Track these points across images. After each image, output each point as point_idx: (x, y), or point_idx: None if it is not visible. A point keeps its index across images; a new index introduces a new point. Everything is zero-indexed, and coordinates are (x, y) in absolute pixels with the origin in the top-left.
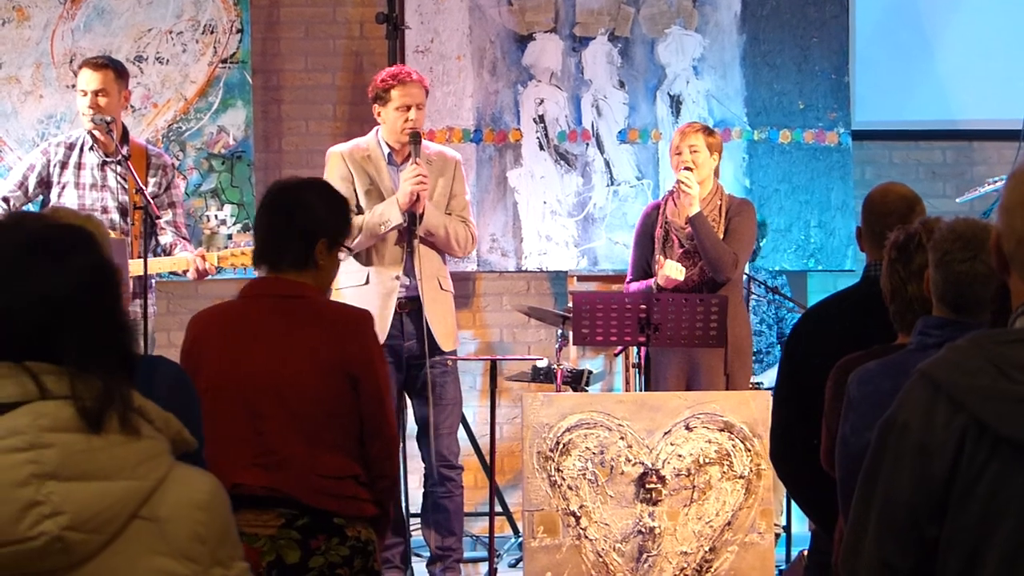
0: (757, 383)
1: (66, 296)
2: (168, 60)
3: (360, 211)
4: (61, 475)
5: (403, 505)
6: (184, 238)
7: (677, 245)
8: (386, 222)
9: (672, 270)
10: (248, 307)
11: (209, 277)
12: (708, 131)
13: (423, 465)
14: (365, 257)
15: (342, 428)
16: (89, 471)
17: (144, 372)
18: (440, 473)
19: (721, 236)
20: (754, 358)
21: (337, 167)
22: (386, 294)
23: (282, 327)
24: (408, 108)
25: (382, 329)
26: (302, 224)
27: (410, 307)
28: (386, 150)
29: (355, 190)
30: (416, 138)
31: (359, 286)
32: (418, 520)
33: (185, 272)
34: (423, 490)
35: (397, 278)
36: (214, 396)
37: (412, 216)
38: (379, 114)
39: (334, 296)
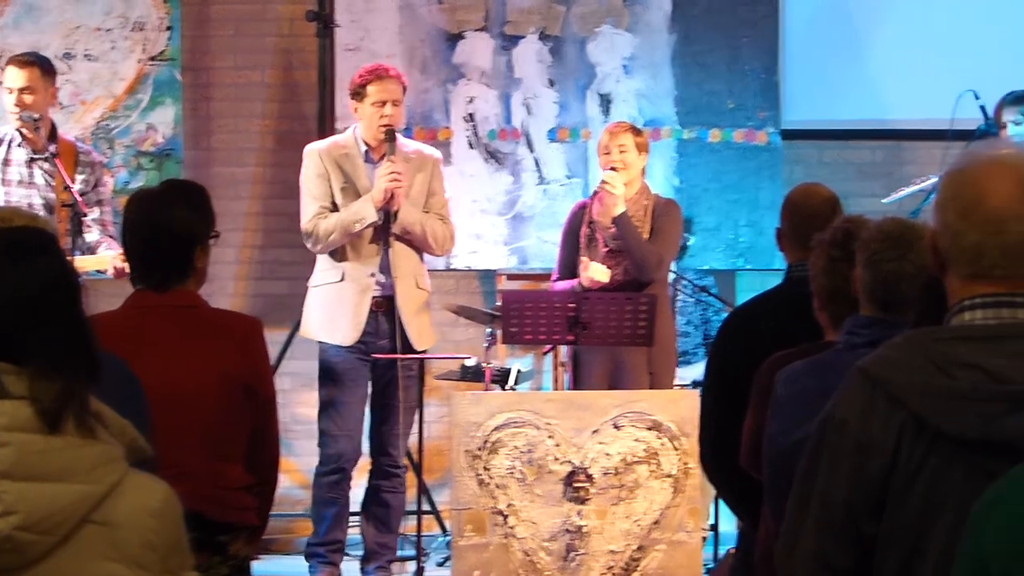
0: (682, 383)
1: (31, 298)
2: (97, 57)
3: (336, 208)
4: (15, 475)
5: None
6: (111, 236)
7: (602, 244)
8: (361, 219)
9: (596, 272)
10: (140, 319)
11: None
12: (636, 131)
13: (370, 461)
14: (340, 254)
15: (238, 438)
16: (44, 472)
17: None
18: (387, 470)
19: (647, 236)
20: (681, 359)
21: (314, 164)
22: (361, 291)
23: (177, 338)
24: (383, 104)
25: (356, 326)
26: (179, 236)
27: (385, 306)
28: (363, 147)
29: (331, 187)
30: (391, 136)
31: (334, 283)
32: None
33: (106, 271)
34: (368, 484)
35: (372, 275)
36: None
37: (387, 214)
38: (356, 111)
39: (310, 294)
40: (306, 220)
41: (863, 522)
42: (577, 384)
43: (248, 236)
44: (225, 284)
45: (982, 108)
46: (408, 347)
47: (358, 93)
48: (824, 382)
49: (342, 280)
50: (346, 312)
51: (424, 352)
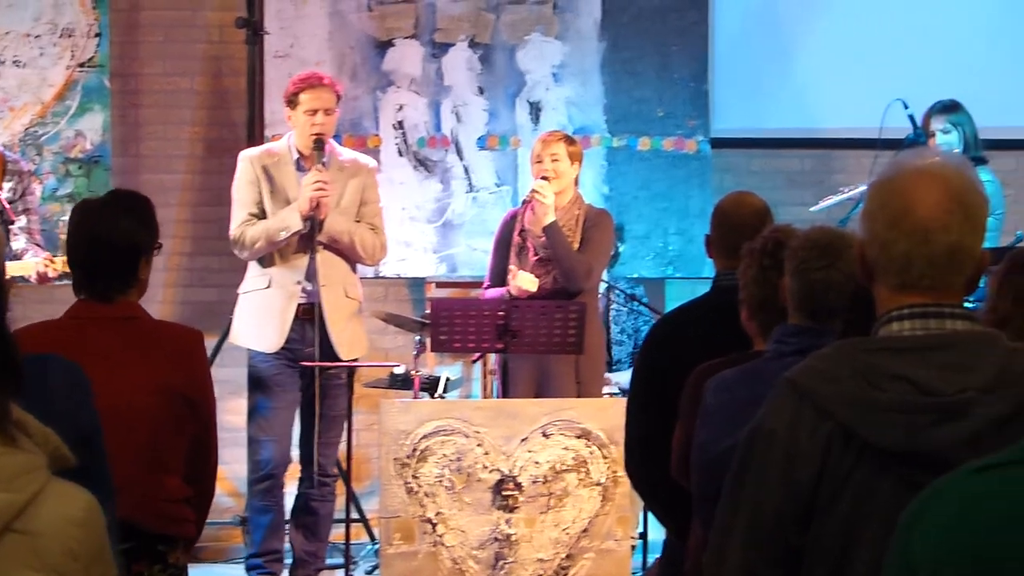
0: (614, 391)
1: None
2: (25, 64)
3: (264, 215)
4: None
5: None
6: (37, 244)
7: (532, 253)
8: (286, 228)
9: (524, 281)
10: (82, 329)
11: (58, 283)
12: (569, 140)
13: (300, 469)
14: (268, 261)
15: (178, 450)
16: None
17: (37, 372)
18: (317, 479)
19: (577, 246)
20: (613, 367)
21: (244, 171)
22: (287, 298)
23: (119, 350)
24: (315, 112)
25: (281, 333)
26: (123, 247)
27: (311, 313)
28: (295, 155)
29: (260, 194)
30: (319, 144)
31: (262, 290)
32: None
33: (29, 277)
34: (297, 492)
35: (299, 283)
36: None
37: (313, 222)
38: (290, 118)
39: (239, 300)
40: (233, 227)
41: (791, 533)
42: (508, 392)
43: (177, 243)
44: (154, 291)
45: (911, 117)
46: (334, 356)
47: (291, 101)
48: (753, 391)
49: (269, 287)
50: (272, 319)
51: (354, 360)
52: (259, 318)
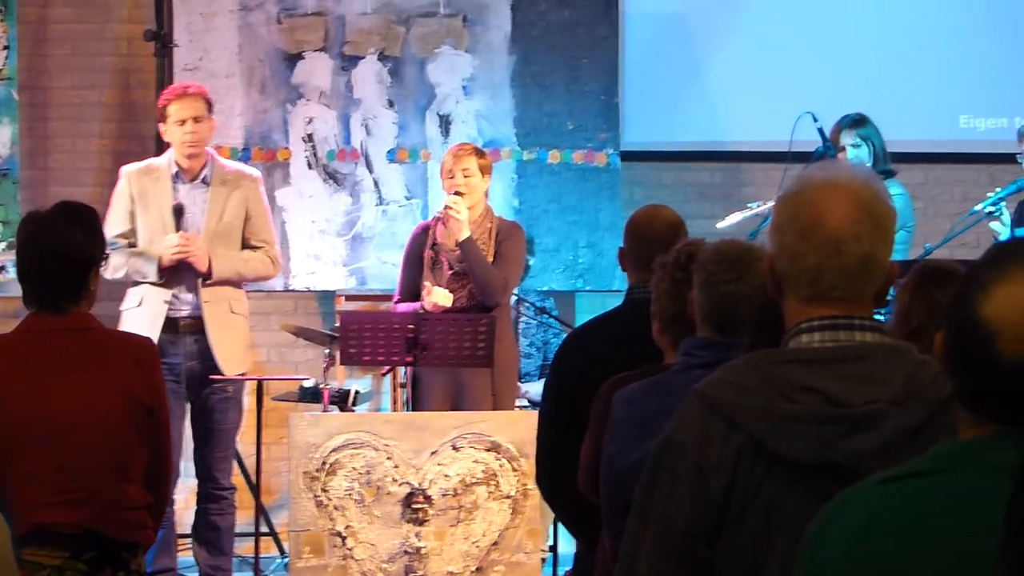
0: (524, 404)
1: None
2: None
3: (135, 231)
4: None
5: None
6: None
7: (447, 267)
8: (143, 275)
9: (439, 296)
10: (40, 342)
11: None
12: (479, 152)
13: (195, 483)
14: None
15: (138, 458)
16: None
17: None
18: (213, 492)
19: (491, 259)
20: (523, 380)
21: (120, 187)
22: (153, 318)
23: (79, 360)
24: (183, 122)
25: None
26: (76, 260)
27: (194, 328)
28: (175, 168)
29: (134, 210)
30: (179, 212)
31: (133, 308)
32: (188, 540)
33: None
34: (196, 508)
35: (166, 302)
36: (13, 434)
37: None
38: (165, 133)
39: (121, 318)
40: None
41: (701, 545)
42: (419, 406)
43: None
44: None
45: (820, 130)
46: (217, 371)
47: (162, 115)
48: (660, 404)
49: (140, 305)
50: None
51: (242, 375)
52: None
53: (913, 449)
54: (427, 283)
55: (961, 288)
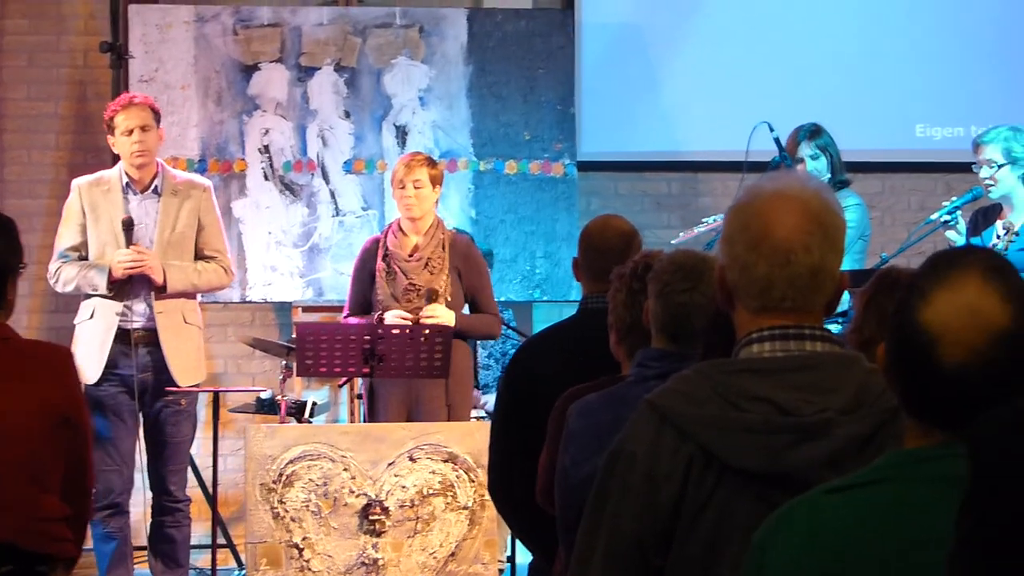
0: (481, 415)
1: None
2: None
3: (86, 243)
4: None
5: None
6: None
7: (402, 277)
8: (94, 287)
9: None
10: None
11: None
12: (431, 162)
13: (152, 497)
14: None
15: (56, 469)
16: None
17: None
18: (168, 505)
19: (445, 272)
20: (482, 391)
21: (71, 200)
22: (106, 329)
23: None
24: (131, 132)
25: (99, 364)
26: None
27: (147, 339)
28: (125, 179)
29: (85, 223)
30: (128, 226)
31: (86, 321)
32: (144, 552)
33: None
34: (151, 520)
35: (119, 313)
36: None
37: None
38: (113, 145)
39: (75, 331)
40: (53, 260)
41: (651, 555)
42: (375, 417)
43: (41, 269)
44: (19, 317)
45: (776, 140)
46: (171, 382)
47: (110, 127)
48: (616, 415)
49: (92, 317)
50: (92, 350)
51: (195, 386)
52: (82, 349)
53: (863, 458)
54: (432, 306)
55: (903, 296)
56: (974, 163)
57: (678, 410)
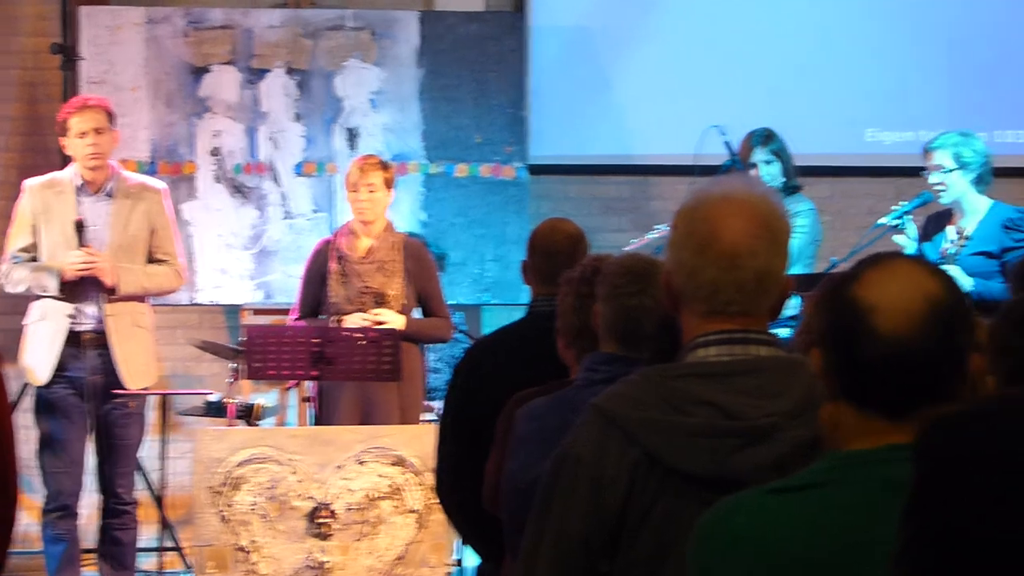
0: (430, 419)
1: None
2: None
3: (36, 245)
4: None
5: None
6: None
7: (356, 280)
8: (44, 289)
9: (391, 318)
10: None
11: None
12: (385, 166)
13: (100, 499)
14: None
15: None
16: None
17: None
18: (116, 507)
19: (398, 274)
20: (431, 395)
21: (23, 201)
22: (55, 332)
23: None
24: (85, 134)
25: (48, 367)
26: None
27: (97, 342)
28: (79, 181)
29: (36, 224)
30: (80, 226)
31: (36, 322)
32: (93, 555)
33: None
34: (99, 523)
35: (69, 316)
36: None
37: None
38: (67, 147)
39: (25, 332)
40: (4, 261)
41: (597, 559)
42: (328, 420)
43: None
44: None
45: (727, 144)
46: (120, 385)
47: (63, 130)
48: (563, 419)
49: (43, 319)
50: (42, 351)
51: (145, 389)
52: (32, 350)
53: (809, 462)
54: (378, 311)
55: (838, 283)
56: (924, 169)
57: (624, 414)
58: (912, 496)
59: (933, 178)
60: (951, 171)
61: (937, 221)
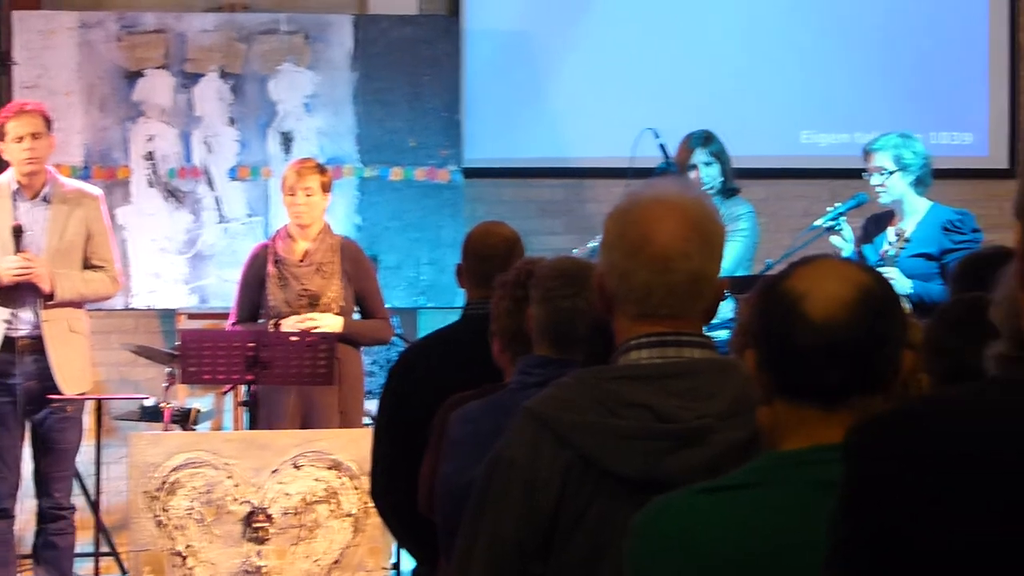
0: (367, 422)
1: None
2: None
3: None
4: None
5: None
6: None
7: (294, 283)
8: None
9: (329, 322)
10: None
11: None
12: (322, 170)
13: (36, 504)
14: None
15: None
16: None
17: None
18: (53, 512)
19: (336, 276)
20: (368, 397)
21: None
22: None
23: None
24: (21, 139)
25: None
26: None
27: (33, 347)
28: (15, 186)
29: None
30: (18, 231)
31: None
32: (29, 561)
33: None
34: (36, 528)
35: (7, 321)
36: None
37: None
38: (3, 151)
39: None
40: None
41: (531, 562)
42: (269, 424)
43: None
44: None
45: (661, 147)
46: (56, 391)
47: (0, 134)
48: (497, 422)
49: None
50: None
51: (82, 394)
52: None
53: (743, 463)
54: (313, 315)
55: (770, 281)
56: (864, 170)
57: (557, 417)
58: (842, 497)
59: (873, 180)
60: (891, 173)
61: (878, 223)
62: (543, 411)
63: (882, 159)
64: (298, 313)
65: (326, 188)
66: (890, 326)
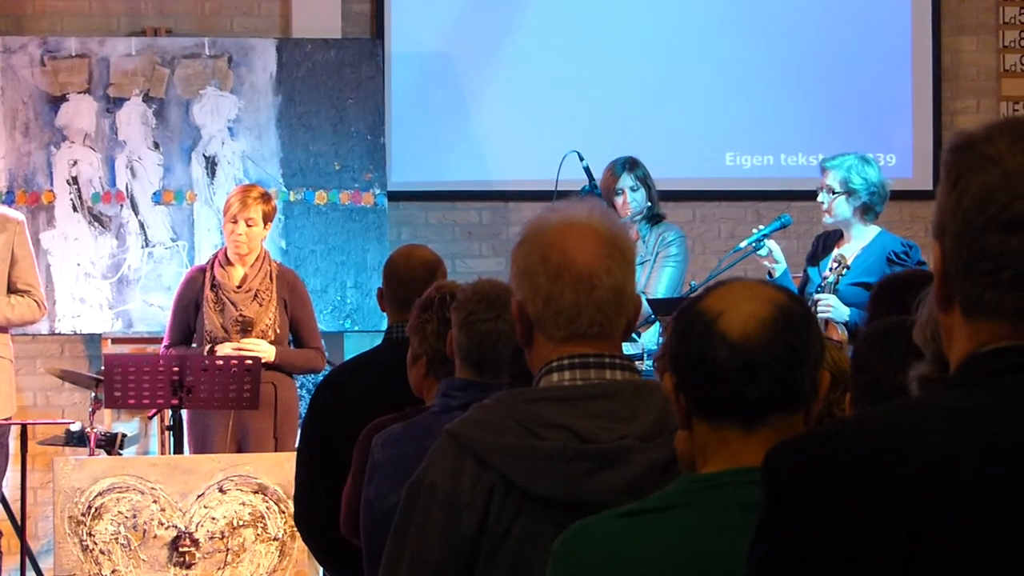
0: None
1: None
2: None
3: None
4: None
5: None
6: None
7: (231, 308)
8: None
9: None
10: None
11: None
12: (267, 199)
13: None
14: None
15: None
16: None
17: None
18: None
19: (273, 304)
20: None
21: None
22: None
23: None
24: None
25: None
26: None
27: None
28: None
29: None
30: None
31: None
32: None
33: None
34: None
35: None
36: None
37: None
38: None
39: None
40: None
41: None
42: (201, 449)
43: None
44: None
45: (586, 169)
46: None
47: None
48: (420, 445)
49: None
50: None
51: (7, 419)
52: None
53: (663, 485)
54: (248, 341)
55: (686, 302)
56: (820, 188)
57: (478, 439)
58: (761, 519)
59: (820, 198)
60: (836, 195)
61: (826, 241)
62: (464, 434)
63: (831, 179)
64: (232, 339)
65: (268, 218)
66: (807, 343)
